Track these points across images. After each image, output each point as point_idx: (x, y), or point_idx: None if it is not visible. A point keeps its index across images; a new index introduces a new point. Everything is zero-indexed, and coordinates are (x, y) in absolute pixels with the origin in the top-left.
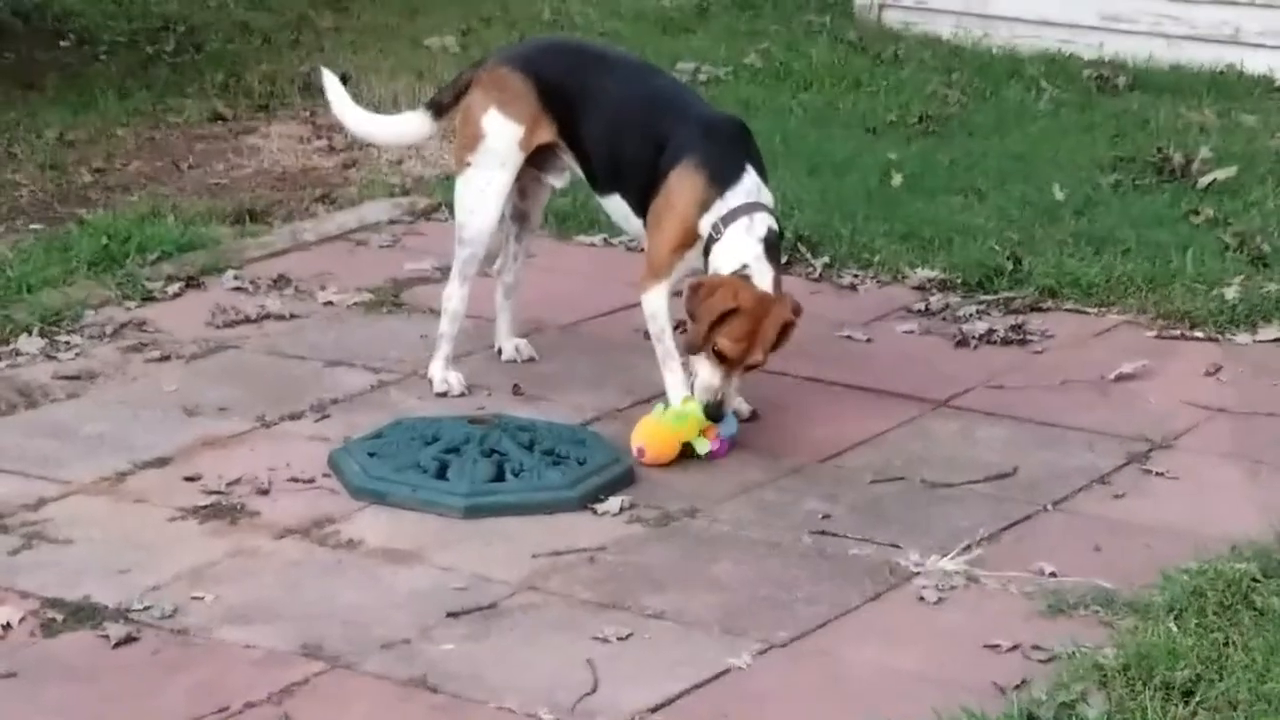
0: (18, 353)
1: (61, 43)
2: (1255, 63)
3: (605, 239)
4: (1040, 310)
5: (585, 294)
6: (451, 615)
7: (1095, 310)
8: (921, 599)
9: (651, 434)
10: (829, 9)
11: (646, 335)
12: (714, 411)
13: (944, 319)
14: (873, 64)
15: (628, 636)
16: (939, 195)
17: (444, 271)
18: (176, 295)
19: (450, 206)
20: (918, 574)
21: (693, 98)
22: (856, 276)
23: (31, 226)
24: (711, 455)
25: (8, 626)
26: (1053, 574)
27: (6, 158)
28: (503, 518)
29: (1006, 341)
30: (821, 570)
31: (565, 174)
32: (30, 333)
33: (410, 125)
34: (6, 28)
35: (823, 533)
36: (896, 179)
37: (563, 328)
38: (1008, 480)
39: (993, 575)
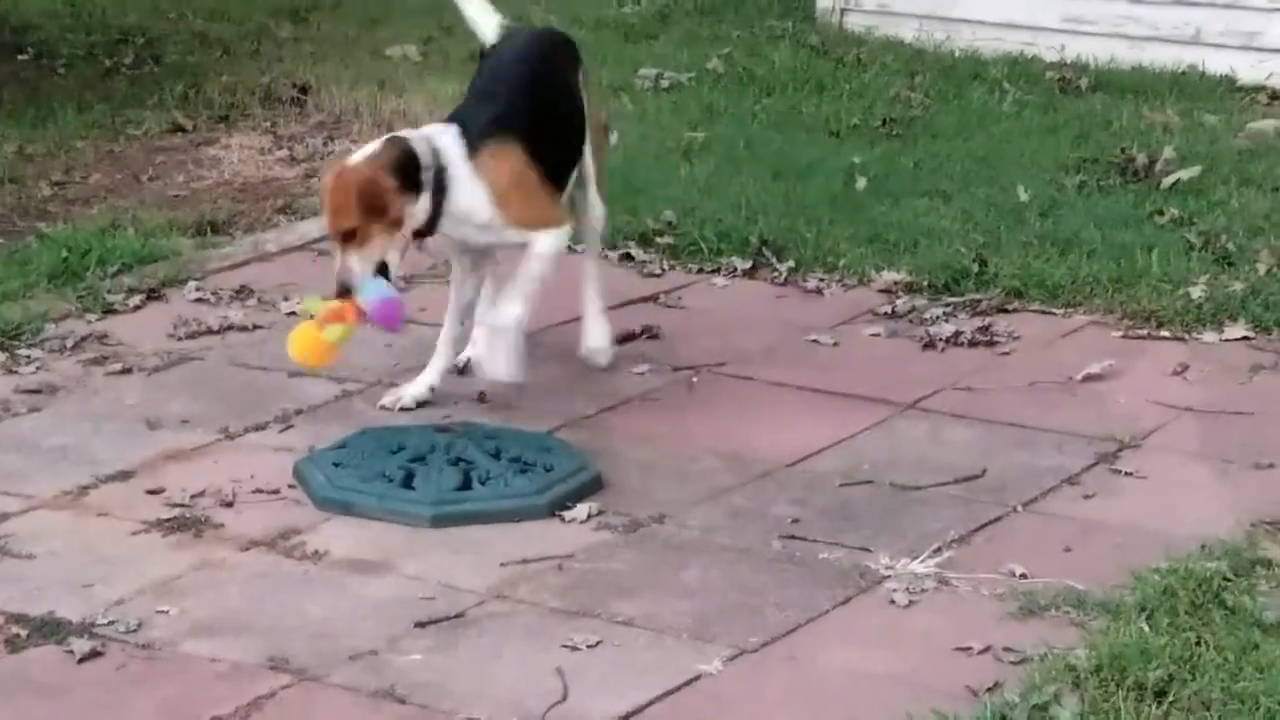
0: None
1: (19, 56)
2: (1216, 63)
3: (570, 247)
4: (1007, 312)
5: (550, 301)
6: (419, 625)
7: (1062, 311)
8: (892, 602)
9: (295, 340)
10: (791, 14)
11: (616, 340)
12: (339, 289)
13: (910, 322)
14: (835, 68)
15: (597, 644)
16: (904, 198)
17: (407, 280)
18: (138, 307)
19: None
20: (888, 577)
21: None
22: (822, 280)
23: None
24: (381, 324)
25: None
26: (1023, 575)
27: None
28: (470, 526)
29: (973, 343)
30: (791, 575)
31: None
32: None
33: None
34: None
35: (792, 537)
36: (861, 182)
37: (528, 335)
38: (977, 482)
39: (963, 577)
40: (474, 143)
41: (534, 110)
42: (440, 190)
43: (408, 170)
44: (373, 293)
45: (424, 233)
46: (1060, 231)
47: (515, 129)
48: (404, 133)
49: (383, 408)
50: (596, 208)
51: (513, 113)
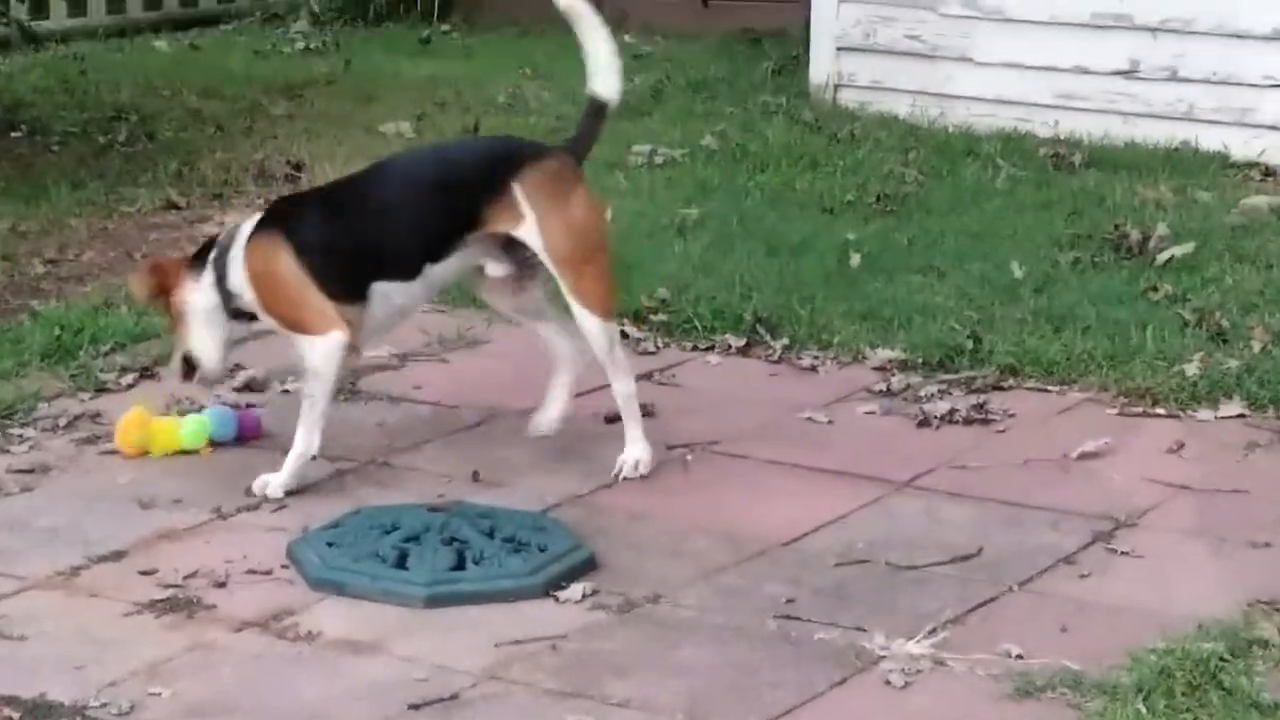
0: None
1: (13, 133)
2: (1209, 139)
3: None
4: (1001, 389)
5: (543, 379)
6: (413, 707)
7: (1057, 388)
8: (888, 683)
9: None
10: (784, 89)
11: (610, 419)
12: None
13: (905, 399)
14: (829, 144)
15: None
16: (898, 275)
17: (401, 359)
18: (130, 386)
19: None
20: (884, 657)
21: None
22: (816, 358)
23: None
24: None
25: None
26: (1019, 656)
27: None
28: (464, 606)
29: (968, 421)
30: (786, 655)
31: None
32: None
33: None
34: None
35: (787, 617)
36: (855, 259)
37: (520, 412)
38: (972, 561)
39: (959, 658)
40: (259, 230)
41: (339, 213)
42: (222, 272)
43: (202, 251)
44: (217, 426)
45: (242, 314)
46: (1055, 308)
47: (302, 225)
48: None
49: None
50: (581, 325)
51: (305, 209)
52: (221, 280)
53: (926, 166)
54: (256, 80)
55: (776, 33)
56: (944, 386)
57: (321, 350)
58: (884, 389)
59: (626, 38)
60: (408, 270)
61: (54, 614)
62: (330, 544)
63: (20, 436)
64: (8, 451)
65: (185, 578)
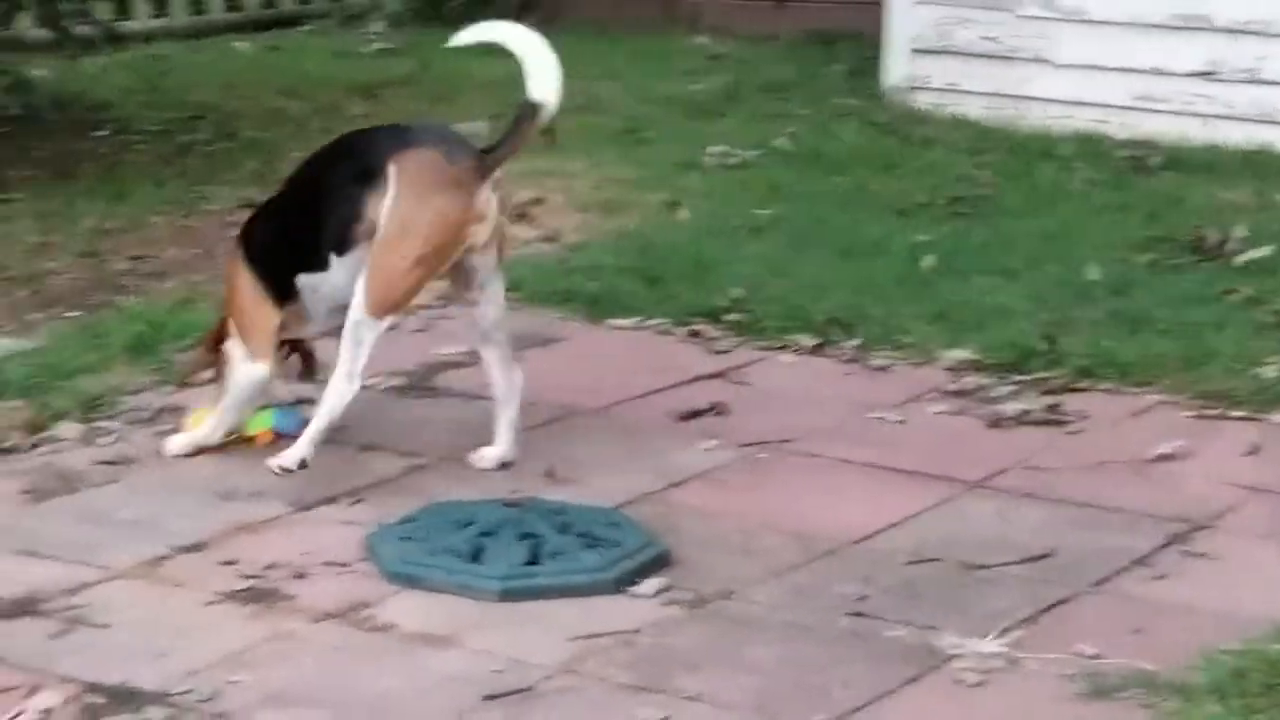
0: (57, 439)
1: (97, 132)
2: None
3: (638, 322)
4: (1075, 391)
5: (616, 377)
6: (488, 699)
7: (1132, 390)
8: (960, 682)
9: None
10: (859, 91)
11: (683, 416)
12: None
13: (977, 400)
14: (903, 146)
15: (664, 719)
16: (971, 276)
17: (475, 356)
18: (210, 380)
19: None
20: (956, 656)
21: None
22: (889, 358)
23: (68, 314)
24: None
25: (49, 711)
26: (1093, 656)
27: (44, 246)
28: (538, 601)
29: (1041, 422)
30: (858, 653)
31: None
32: (69, 419)
33: None
34: (45, 119)
35: (858, 615)
36: (928, 261)
37: (594, 411)
38: (1045, 561)
39: (1032, 657)
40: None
41: (282, 207)
42: None
43: None
44: (280, 419)
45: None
46: (1130, 310)
47: (254, 228)
48: None
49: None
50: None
51: (258, 211)
52: None
53: (1001, 169)
54: (334, 80)
55: (850, 34)
56: (1017, 388)
57: (245, 375)
58: (956, 389)
59: (700, 38)
60: (319, 261)
61: (137, 603)
62: (406, 538)
63: (105, 429)
64: (93, 444)
65: (264, 569)
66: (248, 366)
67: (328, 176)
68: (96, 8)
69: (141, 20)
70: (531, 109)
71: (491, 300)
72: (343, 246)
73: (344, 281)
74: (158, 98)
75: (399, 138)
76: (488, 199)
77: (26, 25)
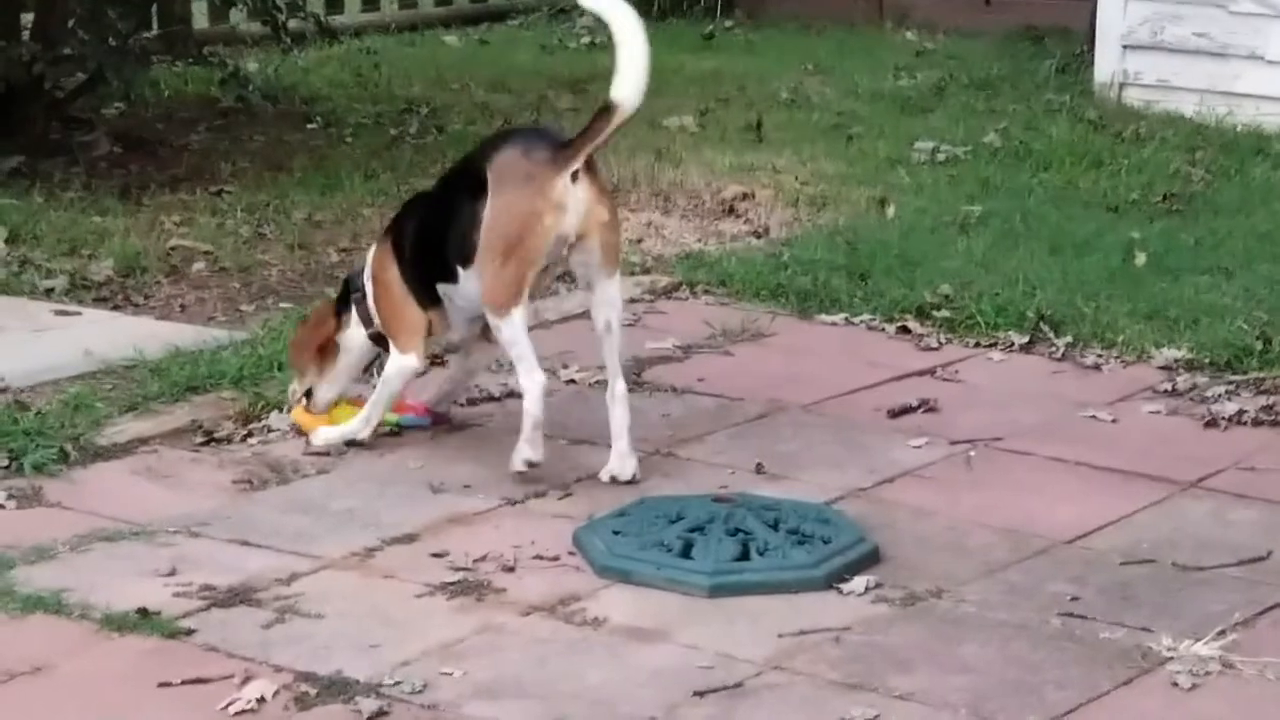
0: (269, 429)
1: (309, 125)
2: None
3: (846, 318)
4: None
5: (827, 373)
6: (698, 694)
7: None
8: (1175, 685)
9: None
10: (1068, 88)
11: (893, 413)
12: None
13: (1191, 399)
14: (1114, 142)
15: (875, 718)
16: (1184, 275)
17: (685, 351)
18: (421, 374)
19: (692, 285)
20: (1170, 659)
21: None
22: (1100, 356)
23: (281, 305)
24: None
25: (262, 700)
26: None
27: (257, 238)
28: (747, 596)
29: (1258, 422)
30: (1070, 654)
31: None
32: (281, 410)
33: None
34: (257, 111)
35: (1071, 615)
36: (1140, 258)
37: (805, 406)
38: (1262, 564)
39: (1249, 661)
40: (381, 237)
41: (423, 217)
42: (361, 293)
43: (344, 292)
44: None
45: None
46: None
47: (404, 228)
48: None
49: None
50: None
51: (408, 210)
52: (361, 304)
53: (1213, 166)
54: (543, 74)
55: (1059, 30)
56: (1232, 387)
57: (396, 366)
58: (1169, 389)
59: (908, 34)
60: (450, 273)
61: (349, 594)
62: (616, 532)
63: None
64: (305, 435)
65: (475, 561)
66: (399, 359)
67: (450, 191)
68: (309, 2)
69: (352, 14)
70: (607, 108)
71: (602, 302)
72: (466, 260)
73: (474, 293)
74: (368, 91)
75: (495, 143)
76: (565, 189)
77: (240, 19)
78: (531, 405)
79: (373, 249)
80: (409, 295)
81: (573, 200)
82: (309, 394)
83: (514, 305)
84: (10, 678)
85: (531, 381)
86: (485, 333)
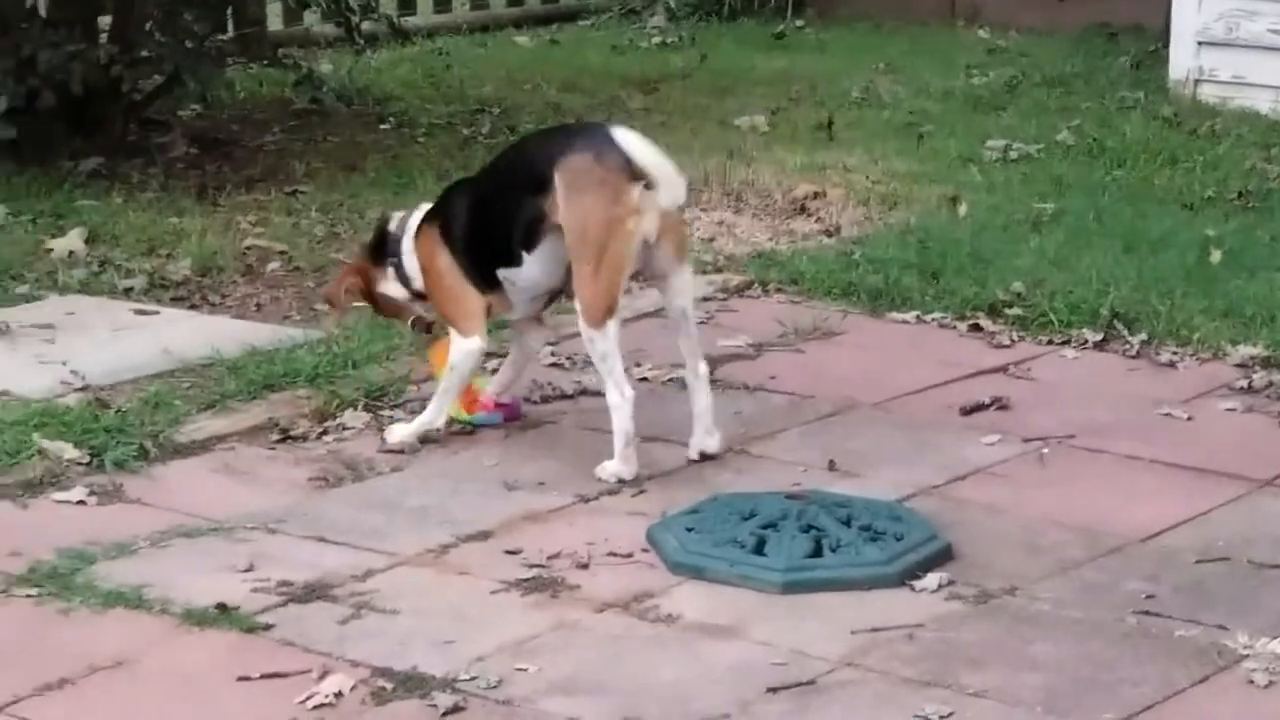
0: (344, 427)
1: (382, 125)
2: None
3: (918, 316)
4: None
5: (898, 370)
6: (771, 691)
7: None
8: (1251, 682)
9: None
10: (1142, 85)
11: (965, 410)
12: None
13: (1268, 397)
14: (1188, 139)
15: (949, 715)
16: (1260, 272)
17: (757, 348)
18: (492, 371)
19: (763, 284)
20: (1246, 656)
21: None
22: (1175, 354)
23: (356, 305)
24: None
25: (340, 694)
26: None
27: (331, 237)
28: (820, 593)
29: None
30: (1145, 651)
31: None
32: (356, 408)
33: None
34: (331, 112)
35: (1146, 613)
36: (1215, 255)
37: (876, 404)
38: None
39: None
40: (426, 219)
41: (479, 203)
42: (399, 260)
43: (379, 243)
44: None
45: (420, 295)
46: None
47: (455, 215)
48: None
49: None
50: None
51: (457, 198)
52: (400, 270)
53: None
54: (614, 74)
55: (1133, 27)
56: None
57: (462, 350)
58: (1245, 386)
59: (980, 32)
60: (513, 258)
61: (424, 590)
62: (690, 529)
63: (390, 418)
64: (378, 433)
65: (549, 558)
66: (463, 343)
67: (507, 183)
68: (382, 3)
69: (425, 15)
70: None
71: (677, 292)
72: (531, 244)
73: (539, 274)
74: (441, 91)
75: (561, 146)
76: (640, 194)
77: (314, 21)
78: (623, 422)
79: (413, 225)
80: (465, 281)
81: (649, 203)
82: (429, 327)
83: (610, 317)
84: (92, 671)
85: (622, 398)
86: (542, 313)
